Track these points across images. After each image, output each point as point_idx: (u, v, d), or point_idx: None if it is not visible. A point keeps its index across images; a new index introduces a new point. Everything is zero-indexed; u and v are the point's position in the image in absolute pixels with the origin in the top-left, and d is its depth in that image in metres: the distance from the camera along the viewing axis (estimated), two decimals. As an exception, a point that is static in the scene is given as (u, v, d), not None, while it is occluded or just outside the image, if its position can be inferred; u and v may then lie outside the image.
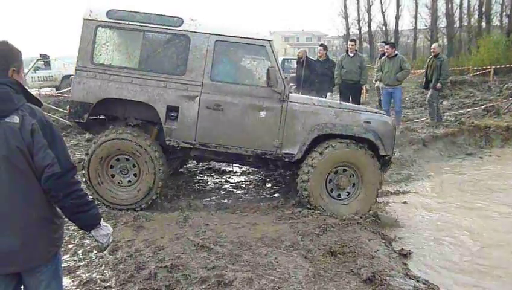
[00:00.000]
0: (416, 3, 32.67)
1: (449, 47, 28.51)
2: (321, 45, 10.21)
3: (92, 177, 5.23)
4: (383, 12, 34.64)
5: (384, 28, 34.81)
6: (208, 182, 7.04)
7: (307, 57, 9.96)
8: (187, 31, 5.29)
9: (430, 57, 10.62)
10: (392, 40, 28.30)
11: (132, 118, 5.49)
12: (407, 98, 14.37)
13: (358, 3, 36.08)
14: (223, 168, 7.63)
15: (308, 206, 5.28)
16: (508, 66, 18.20)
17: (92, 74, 5.28)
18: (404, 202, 6.27)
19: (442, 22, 30.76)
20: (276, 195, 6.20)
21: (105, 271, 3.69)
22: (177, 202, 5.80)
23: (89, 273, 3.66)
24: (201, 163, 7.88)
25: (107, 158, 5.30)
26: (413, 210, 6.03)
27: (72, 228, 4.41)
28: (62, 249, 2.53)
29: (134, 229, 4.60)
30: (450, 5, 29.69)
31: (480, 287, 4.18)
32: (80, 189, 2.15)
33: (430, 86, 10.26)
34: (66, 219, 2.23)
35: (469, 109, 12.18)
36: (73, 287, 3.45)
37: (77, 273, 3.68)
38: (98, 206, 4.15)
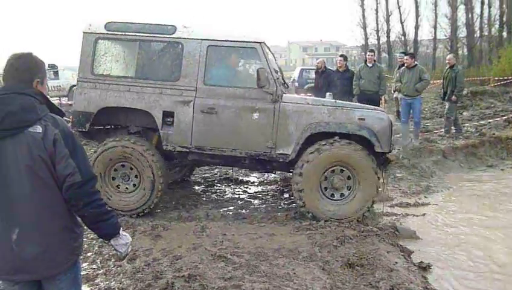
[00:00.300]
0: (436, 13, 32.48)
1: (469, 57, 28.21)
2: (341, 56, 10.15)
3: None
4: (402, 22, 34.37)
5: (403, 38, 34.50)
6: (225, 191, 7.05)
7: (325, 67, 9.96)
8: (180, 38, 5.42)
9: (447, 68, 10.54)
10: (411, 50, 28.08)
11: (133, 126, 5.65)
12: (426, 109, 14.20)
13: (377, 13, 35.90)
14: (240, 178, 7.65)
15: (302, 209, 5.29)
16: (529, 76, 17.90)
17: (93, 84, 5.48)
18: (423, 214, 6.17)
19: (462, 32, 30.39)
20: (293, 205, 6.16)
21: (123, 280, 3.71)
22: (195, 211, 5.83)
23: (107, 282, 3.69)
24: (218, 173, 7.93)
25: (108, 167, 5.42)
26: (433, 223, 5.91)
27: (91, 237, 4.47)
28: (81, 257, 2.56)
29: (152, 238, 4.64)
30: (470, 15, 29.39)
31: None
32: (100, 198, 2.17)
33: (446, 99, 10.21)
34: (85, 228, 2.26)
35: (490, 120, 11.95)
36: (92, 296, 3.48)
37: (95, 281, 3.72)
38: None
